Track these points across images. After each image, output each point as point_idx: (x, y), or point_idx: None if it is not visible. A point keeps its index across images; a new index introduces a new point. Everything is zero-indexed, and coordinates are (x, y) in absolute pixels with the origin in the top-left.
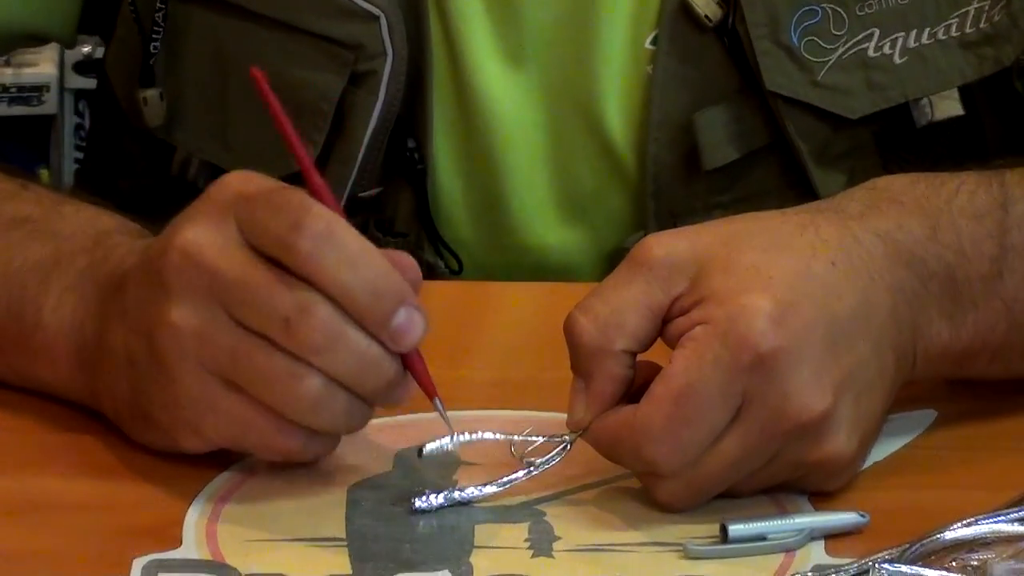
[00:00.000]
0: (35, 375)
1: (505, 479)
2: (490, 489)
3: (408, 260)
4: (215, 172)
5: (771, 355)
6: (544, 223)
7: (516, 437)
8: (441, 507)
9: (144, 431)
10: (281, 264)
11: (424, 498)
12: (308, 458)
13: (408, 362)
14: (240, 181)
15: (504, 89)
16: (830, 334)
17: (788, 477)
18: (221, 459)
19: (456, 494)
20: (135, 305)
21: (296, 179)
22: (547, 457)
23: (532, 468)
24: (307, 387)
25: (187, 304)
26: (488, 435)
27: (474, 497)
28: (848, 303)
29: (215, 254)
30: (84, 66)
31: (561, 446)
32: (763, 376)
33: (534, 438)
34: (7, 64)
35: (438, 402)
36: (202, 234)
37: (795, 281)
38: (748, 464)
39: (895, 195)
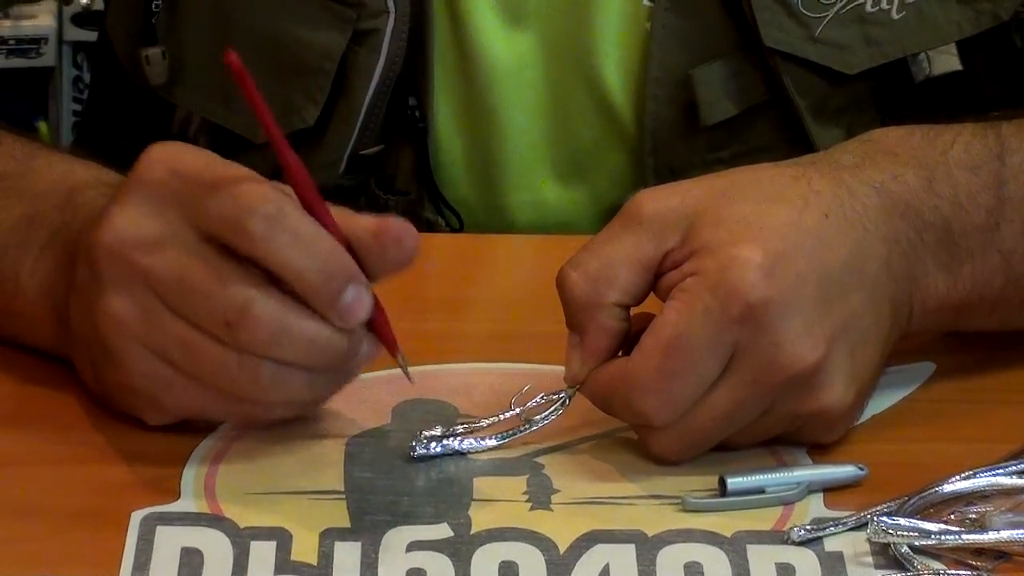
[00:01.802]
0: (22, 337)
1: (505, 434)
2: (489, 443)
3: (407, 229)
4: (215, 130)
5: (761, 305)
6: (543, 181)
7: (513, 404)
8: (438, 455)
9: (110, 402)
10: (224, 248)
11: (424, 445)
12: (284, 418)
13: (373, 323)
14: (169, 156)
15: (503, 47)
16: (822, 285)
17: (784, 430)
18: None
19: (455, 443)
20: (80, 286)
21: (296, 138)
22: (545, 413)
23: (531, 425)
24: (260, 375)
25: (123, 295)
26: (484, 423)
27: (473, 448)
28: (841, 254)
29: (147, 251)
30: (82, 18)
31: (559, 402)
32: (754, 327)
33: (532, 402)
34: (5, 16)
35: (400, 357)
36: (131, 225)
37: (787, 232)
38: (741, 416)
39: (890, 147)
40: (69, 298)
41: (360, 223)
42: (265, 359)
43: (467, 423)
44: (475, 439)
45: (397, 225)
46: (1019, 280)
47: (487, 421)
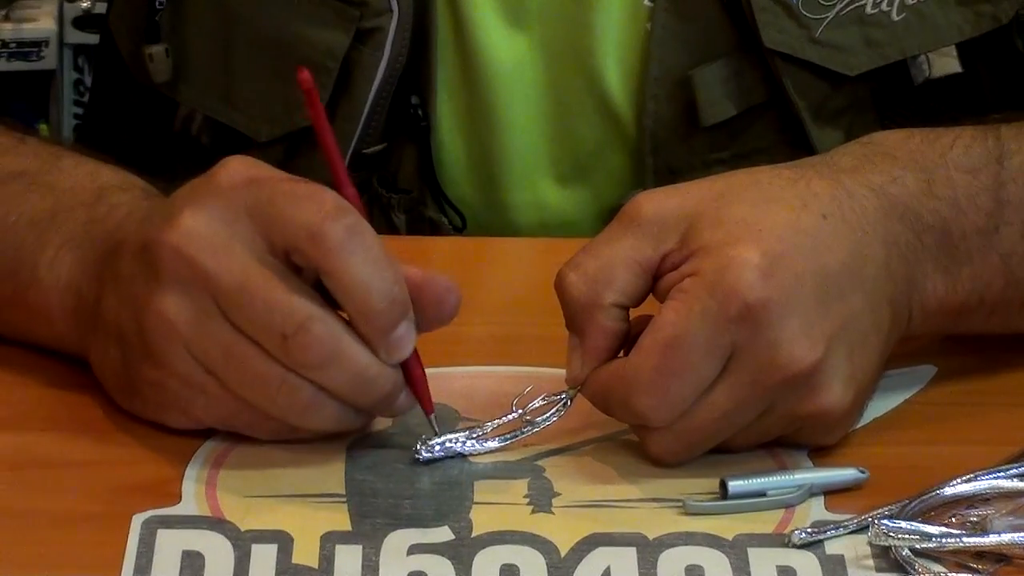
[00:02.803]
0: (31, 331)
1: (507, 436)
2: (491, 444)
3: (450, 283)
4: (218, 128)
5: (759, 306)
6: (544, 181)
7: (515, 405)
8: (441, 458)
9: (131, 402)
10: (289, 261)
11: (428, 448)
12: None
13: (409, 373)
14: (248, 167)
15: (504, 47)
16: (820, 286)
17: (784, 431)
18: None
19: (458, 445)
20: (127, 279)
21: (299, 136)
22: (546, 416)
23: (533, 426)
24: (298, 397)
25: (178, 294)
26: (487, 426)
27: (475, 451)
28: (839, 255)
29: (212, 255)
30: (83, 21)
31: (560, 403)
32: (751, 327)
33: (534, 404)
34: (6, 19)
35: (433, 419)
36: (202, 226)
37: (785, 233)
38: (739, 417)
39: (889, 149)
40: (103, 291)
41: (407, 272)
42: (307, 382)
43: (470, 426)
44: (477, 441)
45: (441, 284)
46: (1019, 283)
47: (490, 424)
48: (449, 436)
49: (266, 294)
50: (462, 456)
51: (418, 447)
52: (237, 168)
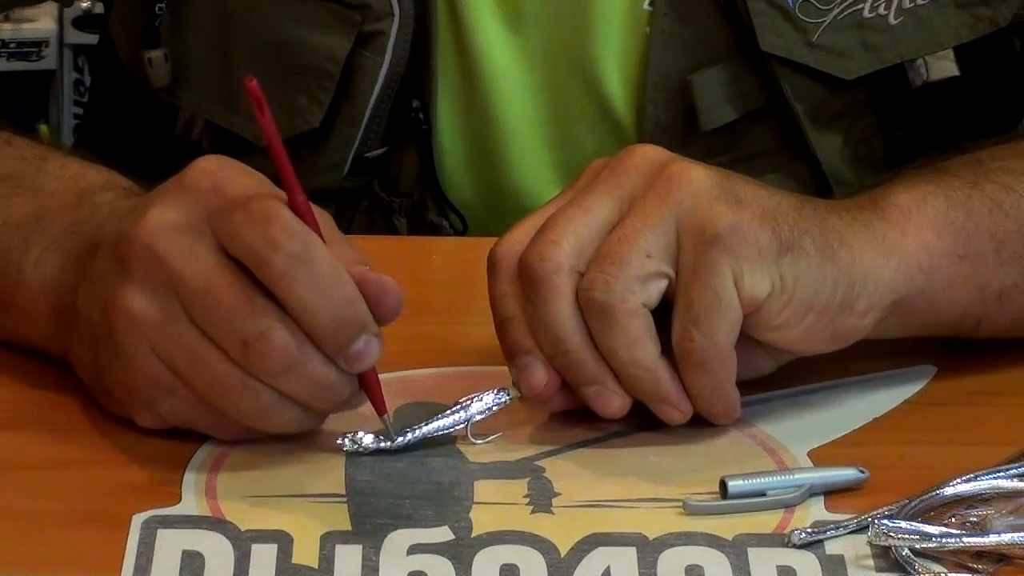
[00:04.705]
0: (18, 333)
1: (436, 424)
2: (421, 431)
3: (388, 285)
4: (219, 133)
5: (673, 167)
6: (544, 185)
7: (460, 412)
8: (372, 451)
9: (104, 399)
10: (253, 274)
11: (352, 438)
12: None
13: (362, 377)
14: (216, 169)
15: (504, 51)
16: (768, 207)
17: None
18: None
19: (388, 444)
20: (100, 277)
21: (300, 140)
22: (483, 408)
23: (463, 408)
24: (259, 401)
25: (146, 293)
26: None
27: (407, 443)
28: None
29: (180, 255)
30: (83, 21)
31: (500, 401)
32: (660, 177)
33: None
34: (6, 19)
35: (386, 418)
36: (169, 226)
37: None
38: (650, 235)
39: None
40: (79, 290)
41: (350, 271)
42: (268, 387)
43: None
44: (409, 430)
45: (383, 281)
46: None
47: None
48: (372, 435)
49: (229, 301)
50: (386, 451)
51: (341, 439)
52: (205, 170)
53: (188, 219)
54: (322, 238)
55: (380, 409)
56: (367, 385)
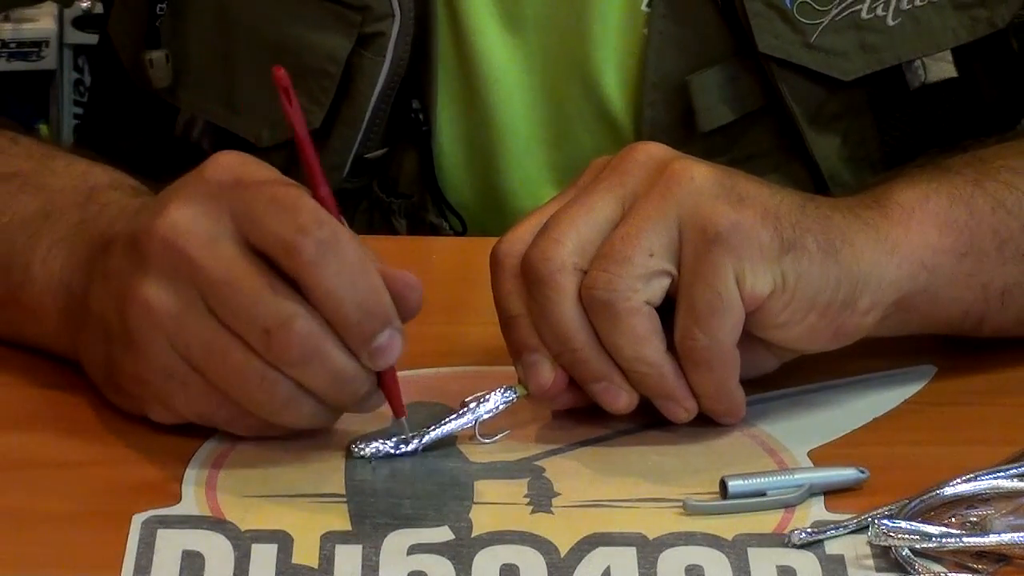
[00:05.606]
0: (24, 331)
1: (446, 428)
2: (432, 435)
3: (411, 281)
4: (220, 134)
5: (675, 165)
6: (542, 186)
7: (468, 411)
8: (381, 456)
9: (116, 396)
10: (271, 261)
11: (365, 443)
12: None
13: (382, 377)
14: (237, 164)
15: (503, 53)
16: (770, 208)
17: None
18: None
19: (400, 447)
20: (115, 273)
21: (296, 143)
22: (491, 408)
23: (470, 410)
24: (277, 393)
25: (164, 285)
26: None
27: (419, 448)
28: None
29: (201, 246)
30: (83, 21)
31: (506, 400)
32: (662, 175)
33: (486, 412)
34: (6, 19)
35: (404, 421)
36: (190, 219)
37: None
38: (652, 232)
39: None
40: (91, 286)
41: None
42: (286, 378)
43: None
44: (415, 436)
45: (404, 276)
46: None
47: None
48: (383, 439)
49: (251, 289)
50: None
51: (352, 445)
52: (226, 164)
53: (209, 212)
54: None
55: (399, 411)
56: (386, 384)
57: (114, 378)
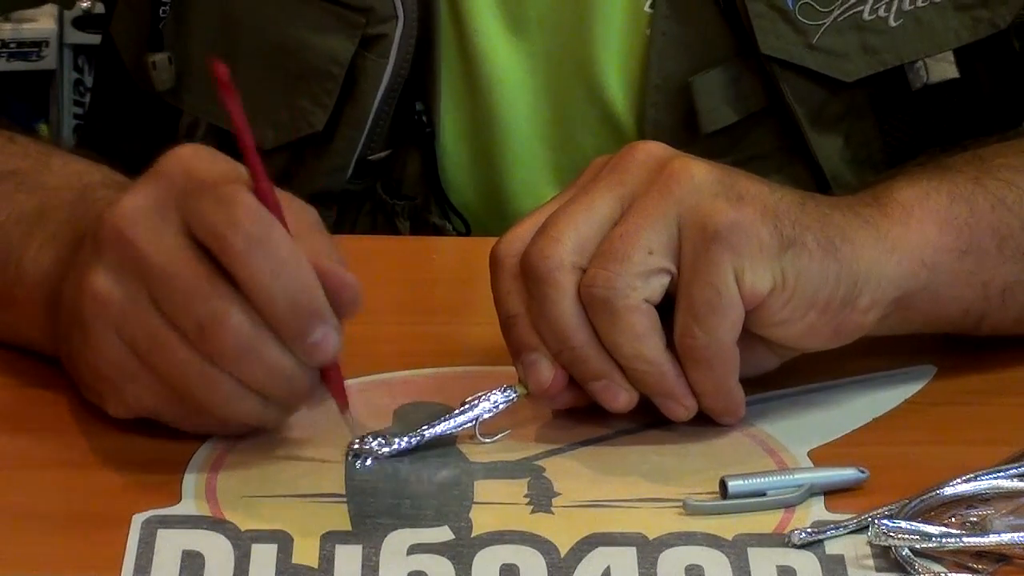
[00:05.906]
0: (18, 329)
1: (444, 425)
2: (430, 433)
3: (348, 279)
4: (223, 136)
5: (675, 164)
6: (546, 188)
7: (468, 412)
8: (382, 456)
9: (84, 391)
10: (214, 256)
11: (364, 443)
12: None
13: (324, 373)
14: (190, 156)
15: (506, 54)
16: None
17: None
18: None
19: (397, 443)
20: (79, 263)
21: (304, 143)
22: (490, 407)
23: (470, 410)
24: (218, 387)
25: (112, 275)
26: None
27: (416, 444)
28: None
29: (147, 236)
30: (83, 21)
31: (505, 395)
32: (661, 174)
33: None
34: (6, 20)
35: (348, 416)
36: (140, 210)
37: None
38: (651, 230)
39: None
40: (65, 279)
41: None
42: (226, 375)
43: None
44: (413, 434)
45: (342, 275)
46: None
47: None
48: (383, 438)
49: (187, 281)
50: (404, 452)
51: (352, 445)
52: (181, 157)
53: (158, 203)
54: (285, 225)
55: (342, 407)
56: (329, 381)
57: (78, 371)
